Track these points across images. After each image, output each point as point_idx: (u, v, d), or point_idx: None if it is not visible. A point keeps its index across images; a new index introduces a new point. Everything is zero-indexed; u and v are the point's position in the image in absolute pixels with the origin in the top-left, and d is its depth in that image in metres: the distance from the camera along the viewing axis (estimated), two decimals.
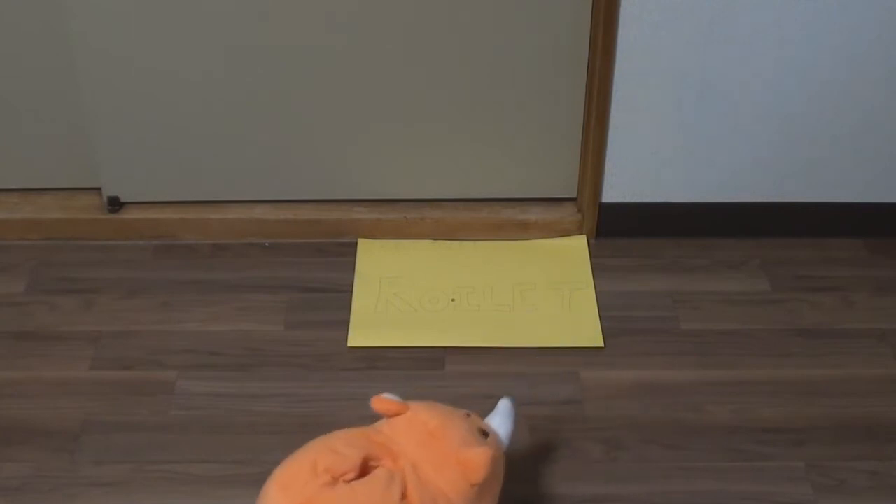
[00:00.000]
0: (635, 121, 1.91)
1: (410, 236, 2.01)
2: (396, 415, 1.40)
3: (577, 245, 2.03)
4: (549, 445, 1.66)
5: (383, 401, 1.41)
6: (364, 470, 1.33)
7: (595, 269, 1.98)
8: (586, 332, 1.85)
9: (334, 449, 1.33)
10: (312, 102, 1.93)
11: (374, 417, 1.54)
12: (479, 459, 1.33)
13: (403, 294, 1.92)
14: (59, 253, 2.00)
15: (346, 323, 1.86)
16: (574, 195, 2.06)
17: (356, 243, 2.03)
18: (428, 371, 1.77)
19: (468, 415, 1.44)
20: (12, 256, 1.98)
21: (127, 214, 2.02)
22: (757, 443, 1.66)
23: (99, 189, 2.02)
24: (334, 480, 1.30)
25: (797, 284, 1.94)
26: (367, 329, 1.85)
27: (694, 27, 1.79)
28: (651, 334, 1.85)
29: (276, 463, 1.53)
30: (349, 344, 1.82)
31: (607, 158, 1.95)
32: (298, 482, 1.30)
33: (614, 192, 1.99)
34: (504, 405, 1.48)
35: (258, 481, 1.53)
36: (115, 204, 2.02)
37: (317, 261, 2.00)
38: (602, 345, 1.82)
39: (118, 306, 1.90)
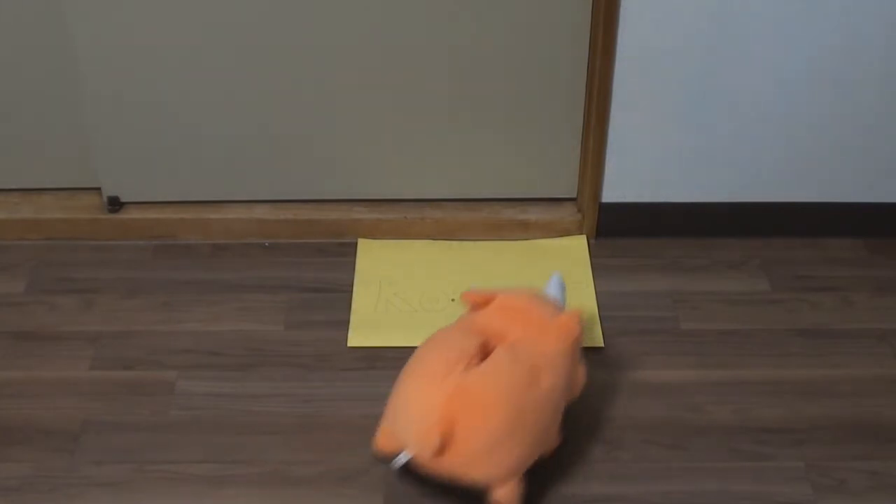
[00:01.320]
0: (635, 121, 1.91)
1: (410, 236, 2.00)
2: (487, 304, 1.56)
3: (577, 245, 2.03)
4: None
5: (475, 293, 1.57)
6: (483, 354, 1.49)
7: (595, 268, 1.98)
8: (586, 332, 1.84)
9: (455, 343, 1.48)
10: (313, 103, 1.93)
11: (377, 416, 1.56)
12: (571, 321, 1.54)
13: (403, 294, 1.92)
14: (59, 253, 2.00)
15: (346, 323, 1.86)
16: (574, 195, 2.06)
17: (356, 243, 2.03)
18: None
19: (537, 292, 1.62)
20: (12, 256, 1.98)
21: (127, 214, 2.02)
22: (757, 443, 1.66)
23: (99, 189, 2.02)
24: (467, 367, 1.45)
25: (797, 284, 1.94)
26: (366, 329, 1.84)
27: (695, 27, 1.80)
28: (651, 334, 1.84)
29: (277, 462, 1.57)
30: (349, 344, 1.82)
31: (607, 159, 1.95)
32: (439, 377, 1.45)
33: (614, 192, 1.99)
34: (556, 279, 1.67)
35: (258, 481, 1.56)
36: (115, 204, 2.02)
37: (317, 261, 2.00)
38: (602, 344, 1.82)
39: (118, 306, 1.89)
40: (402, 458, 1.48)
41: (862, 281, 1.94)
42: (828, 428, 1.68)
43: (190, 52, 1.87)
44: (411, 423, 1.47)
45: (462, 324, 1.57)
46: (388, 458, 1.54)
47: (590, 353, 1.80)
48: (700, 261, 2.00)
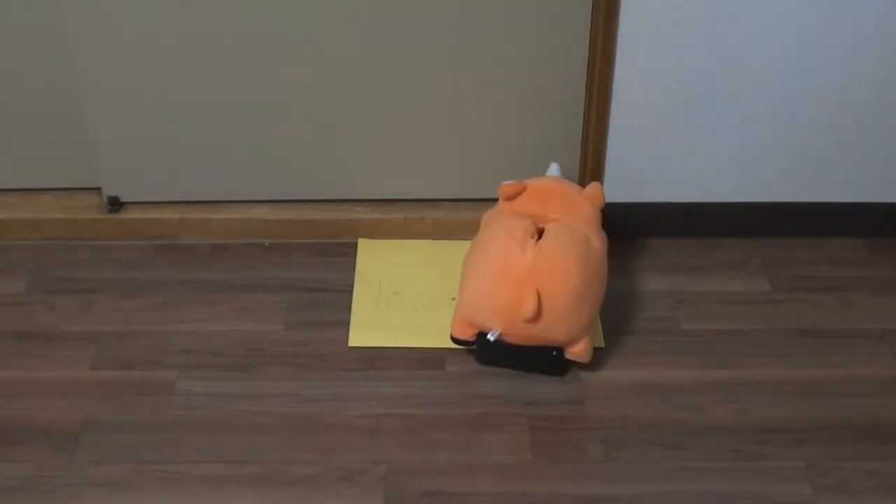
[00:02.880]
0: (635, 121, 1.91)
1: (411, 236, 2.00)
2: (521, 192, 1.77)
3: None
4: (549, 445, 1.65)
5: (509, 185, 1.78)
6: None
7: None
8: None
9: (516, 225, 1.69)
10: (313, 102, 1.93)
11: (378, 416, 1.63)
12: (597, 189, 1.78)
13: (404, 294, 1.92)
14: (59, 253, 1.99)
15: (347, 323, 1.86)
16: None
17: (356, 243, 2.03)
18: (428, 371, 1.77)
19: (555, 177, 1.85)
20: (12, 256, 1.98)
21: (127, 214, 2.02)
22: (757, 443, 1.65)
23: (99, 189, 2.02)
24: (534, 243, 1.66)
25: (797, 284, 1.94)
26: (367, 329, 1.84)
27: (694, 28, 1.80)
28: (651, 334, 1.84)
29: (277, 462, 1.58)
30: (349, 344, 1.82)
31: (607, 159, 1.95)
32: (516, 254, 1.66)
33: (614, 192, 1.98)
34: (555, 166, 1.87)
35: (258, 481, 1.57)
36: (115, 204, 2.02)
37: (317, 261, 1.99)
38: (602, 345, 1.81)
39: (118, 306, 1.89)
40: (495, 333, 1.67)
41: (862, 281, 1.94)
42: (828, 428, 1.67)
43: (189, 52, 1.86)
44: (500, 299, 1.65)
45: (508, 211, 1.77)
46: (467, 343, 1.71)
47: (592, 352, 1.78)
48: (700, 261, 2.00)
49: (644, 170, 1.96)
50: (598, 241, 1.74)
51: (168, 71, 1.88)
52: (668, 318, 1.87)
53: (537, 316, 1.65)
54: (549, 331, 1.68)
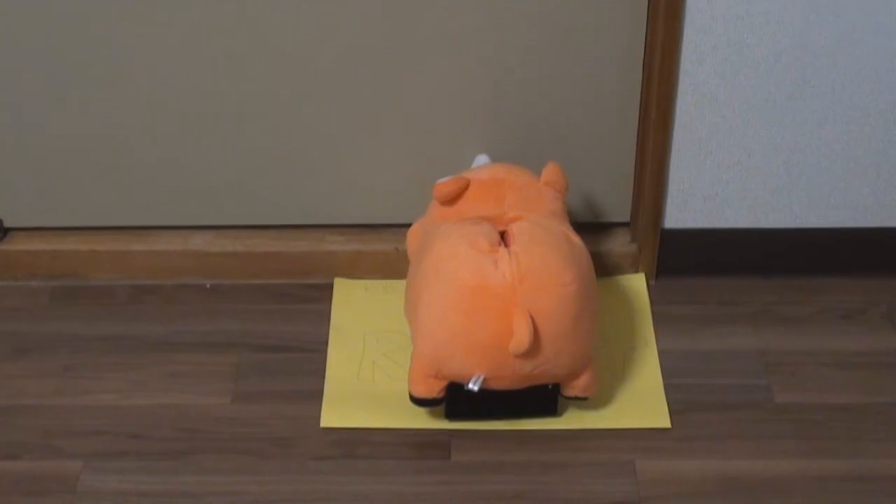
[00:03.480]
0: (710, 119, 1.93)
1: (404, 275, 1.93)
2: (465, 190, 1.82)
3: (633, 287, 2.04)
4: None
5: (446, 183, 1.83)
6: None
7: (657, 319, 1.99)
8: (646, 406, 1.86)
9: (472, 234, 1.73)
10: (272, 97, 1.95)
11: None
12: (556, 170, 1.84)
13: (395, 355, 1.92)
14: None
15: (318, 395, 1.87)
16: (626, 219, 2.08)
17: (331, 284, 2.04)
18: (429, 461, 1.78)
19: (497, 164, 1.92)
20: None
21: (13, 245, 2.04)
22: None
23: None
24: (506, 252, 1.70)
25: None
26: (345, 404, 1.86)
27: (768, 52, 1.86)
28: (734, 410, 1.85)
29: None
30: (322, 424, 1.83)
31: (671, 168, 1.96)
32: (487, 271, 1.68)
33: (682, 213, 2.00)
34: (483, 157, 1.95)
35: None
36: None
37: (277, 308, 2.01)
38: (668, 425, 1.83)
39: (2, 371, 1.90)
40: (477, 380, 1.70)
41: None
42: None
43: (99, 35, 1.88)
44: (479, 334, 1.69)
45: (450, 217, 1.82)
46: (434, 402, 1.76)
47: (652, 435, 1.81)
48: (801, 308, 2.01)
49: (721, 184, 1.98)
50: (575, 237, 1.80)
51: (68, 55, 1.90)
52: (756, 388, 1.88)
53: (533, 346, 1.67)
54: (550, 363, 1.72)
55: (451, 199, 1.84)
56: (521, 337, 1.65)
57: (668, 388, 1.86)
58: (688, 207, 1.99)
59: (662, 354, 1.92)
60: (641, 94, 1.94)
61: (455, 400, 1.76)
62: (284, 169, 2.01)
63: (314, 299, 2.01)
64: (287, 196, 2.04)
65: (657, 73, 1.87)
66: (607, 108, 1.96)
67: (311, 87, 1.93)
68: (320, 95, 1.94)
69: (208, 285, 2.04)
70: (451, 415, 1.80)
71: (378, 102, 1.96)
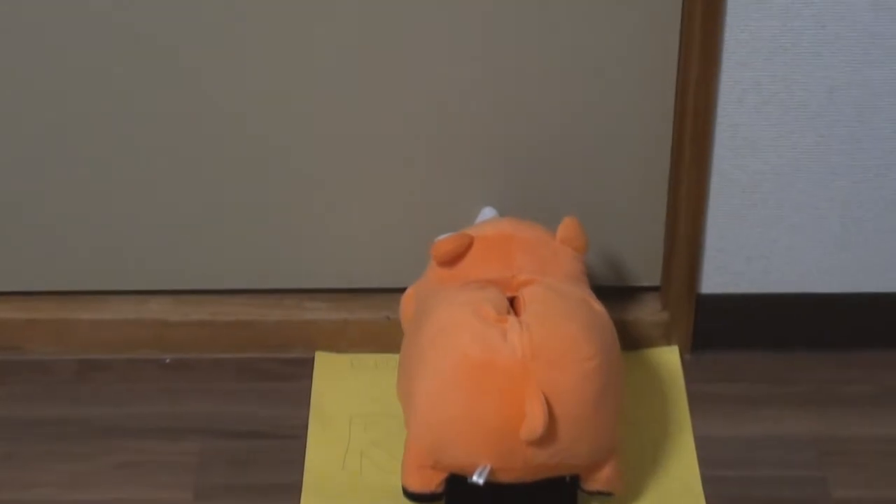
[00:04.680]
0: (751, 165, 1.93)
1: (397, 348, 1.91)
2: (468, 249, 1.82)
3: (664, 362, 2.04)
4: None
5: (447, 241, 1.82)
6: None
7: (694, 400, 1.98)
8: (681, 501, 1.84)
9: (476, 301, 1.73)
10: (241, 139, 1.95)
11: None
12: (574, 226, 1.85)
13: (386, 443, 1.92)
14: None
15: (297, 490, 1.86)
16: (657, 283, 2.08)
17: (311, 359, 2.04)
18: None
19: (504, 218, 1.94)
20: None
21: None
22: None
23: None
24: (516, 322, 1.70)
25: None
26: (328, 500, 1.85)
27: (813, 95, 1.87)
28: None
29: None
30: None
31: (708, 224, 1.97)
32: (495, 344, 1.67)
33: (721, 276, 2.00)
34: (488, 212, 1.97)
35: None
36: None
37: (247, 388, 2.00)
38: None
39: None
40: (482, 472, 1.68)
41: None
42: None
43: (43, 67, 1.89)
44: (485, 417, 1.67)
45: (452, 281, 1.81)
46: (432, 498, 1.74)
47: None
48: (861, 387, 2.00)
49: (766, 243, 1.98)
50: (597, 304, 1.80)
51: (8, 115, 1.91)
52: (810, 481, 1.87)
53: (548, 432, 1.65)
54: (567, 451, 1.70)
55: (452, 260, 1.83)
56: (533, 421, 1.63)
57: (707, 482, 1.85)
58: (727, 269, 1.99)
59: (700, 441, 1.91)
60: (673, 138, 1.94)
61: (456, 495, 1.74)
62: (257, 224, 2.01)
63: (291, 376, 2.01)
64: (260, 255, 2.03)
65: (691, 113, 1.86)
66: (633, 154, 1.96)
67: (286, 126, 1.94)
68: (296, 136, 1.95)
69: (167, 360, 2.04)
70: None
71: (366, 146, 1.96)
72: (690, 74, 1.84)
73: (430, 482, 1.73)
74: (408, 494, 1.74)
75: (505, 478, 1.70)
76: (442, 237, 1.83)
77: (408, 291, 1.89)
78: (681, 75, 1.87)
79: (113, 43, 1.86)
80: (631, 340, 2.03)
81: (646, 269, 2.05)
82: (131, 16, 1.84)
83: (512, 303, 1.74)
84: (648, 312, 2.05)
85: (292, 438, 1.91)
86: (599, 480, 1.74)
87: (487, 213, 1.96)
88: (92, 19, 1.84)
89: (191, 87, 1.90)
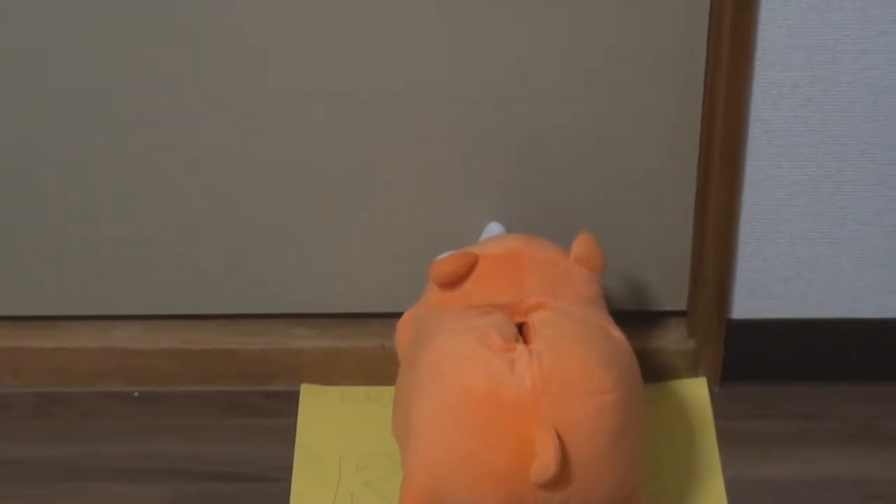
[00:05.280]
0: (789, 175, 1.92)
1: (392, 380, 1.89)
2: (472, 269, 1.81)
3: (691, 395, 2.04)
4: None
5: (448, 260, 1.80)
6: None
7: (724, 437, 1.98)
8: None
9: (484, 324, 1.72)
10: (223, 150, 1.95)
11: None
12: (590, 243, 1.83)
13: (381, 485, 1.92)
14: None
15: None
16: (683, 307, 2.08)
17: (297, 392, 2.03)
18: None
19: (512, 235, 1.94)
20: None
21: None
22: None
23: None
24: (526, 351, 1.68)
25: None
26: None
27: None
28: None
29: None
30: None
31: (740, 241, 1.97)
32: (501, 375, 1.65)
33: (754, 300, 2.00)
34: (495, 227, 1.98)
35: None
36: None
37: (226, 424, 2.00)
38: None
39: None
40: None
41: None
42: None
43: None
44: (492, 456, 1.65)
45: (453, 305, 1.80)
46: None
47: None
48: None
49: (804, 263, 1.98)
50: (616, 330, 1.79)
51: None
52: None
53: (561, 473, 1.63)
54: (582, 494, 1.68)
55: (454, 282, 1.82)
56: (545, 461, 1.61)
57: None
58: (762, 292, 1.99)
59: (730, 484, 1.91)
60: (700, 146, 1.94)
61: None
62: (237, 241, 2.01)
63: (275, 412, 2.00)
64: (240, 276, 2.04)
65: (720, 118, 1.86)
66: (656, 163, 1.96)
67: (272, 136, 1.95)
68: (283, 146, 1.95)
69: (135, 394, 2.03)
70: None
71: (359, 155, 1.97)
72: (720, 75, 1.83)
73: None
74: None
75: None
76: (442, 256, 1.82)
77: (405, 317, 1.88)
78: (709, 76, 1.87)
79: (81, 60, 1.88)
80: (654, 371, 2.03)
81: (670, 291, 2.06)
82: (100, 32, 1.87)
83: (520, 329, 1.72)
84: (673, 340, 2.05)
85: (276, 481, 1.91)
86: None
87: (493, 228, 1.95)
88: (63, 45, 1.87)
89: (163, 100, 1.91)
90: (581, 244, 1.83)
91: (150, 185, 1.98)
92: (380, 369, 2.02)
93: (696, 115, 1.91)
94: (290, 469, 1.92)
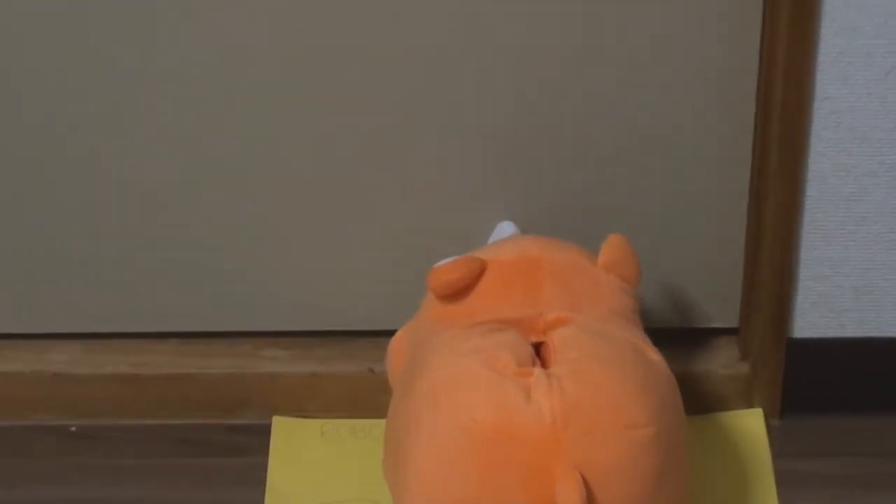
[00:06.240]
0: (861, 165, 1.91)
1: (382, 411, 1.88)
2: (479, 277, 1.78)
3: (744, 429, 2.04)
4: None
5: (447, 268, 1.77)
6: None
7: (784, 480, 1.96)
8: None
9: (493, 344, 1.69)
10: (181, 138, 1.96)
11: None
12: (622, 245, 1.81)
13: None
14: None
15: None
16: (734, 323, 2.07)
17: (268, 427, 2.02)
18: None
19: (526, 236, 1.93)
20: None
21: None
22: None
23: None
24: (544, 375, 1.65)
25: None
26: None
27: None
28: None
29: None
30: None
31: (802, 246, 1.95)
32: (515, 406, 1.61)
33: (819, 316, 2.00)
34: (507, 227, 1.95)
35: None
36: None
37: (182, 464, 2.00)
38: None
39: None
40: None
41: None
42: None
43: None
44: (501, 501, 1.64)
45: (454, 321, 1.77)
46: None
47: None
48: None
49: (880, 270, 1.97)
50: (653, 352, 1.77)
51: None
52: None
53: None
54: None
55: (457, 292, 1.79)
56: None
57: None
58: (828, 306, 1.99)
59: None
60: (755, 130, 1.93)
61: None
62: (196, 247, 2.02)
63: (242, 449, 2.00)
64: (200, 287, 2.04)
65: (778, 96, 1.84)
66: (700, 151, 1.97)
67: (246, 121, 1.95)
68: (256, 131, 1.95)
69: (73, 428, 2.02)
70: None
71: (343, 140, 1.96)
72: (777, 43, 1.82)
73: None
74: None
75: None
76: (443, 262, 1.80)
77: (398, 335, 1.87)
78: (765, 45, 1.85)
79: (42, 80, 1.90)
80: (699, 401, 2.03)
81: (718, 304, 2.06)
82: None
83: (537, 350, 1.70)
84: (723, 363, 2.04)
85: None
86: None
87: (505, 228, 1.94)
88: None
89: (113, 107, 1.92)
90: (611, 247, 1.81)
91: (86, 185, 1.99)
92: (368, 399, 2.01)
93: (750, 92, 1.90)
94: None
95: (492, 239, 1.94)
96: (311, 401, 2.03)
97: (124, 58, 1.93)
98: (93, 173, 2.00)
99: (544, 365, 1.67)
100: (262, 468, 1.95)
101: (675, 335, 2.00)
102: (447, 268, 1.79)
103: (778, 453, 1.98)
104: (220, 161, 2.00)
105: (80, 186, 2.00)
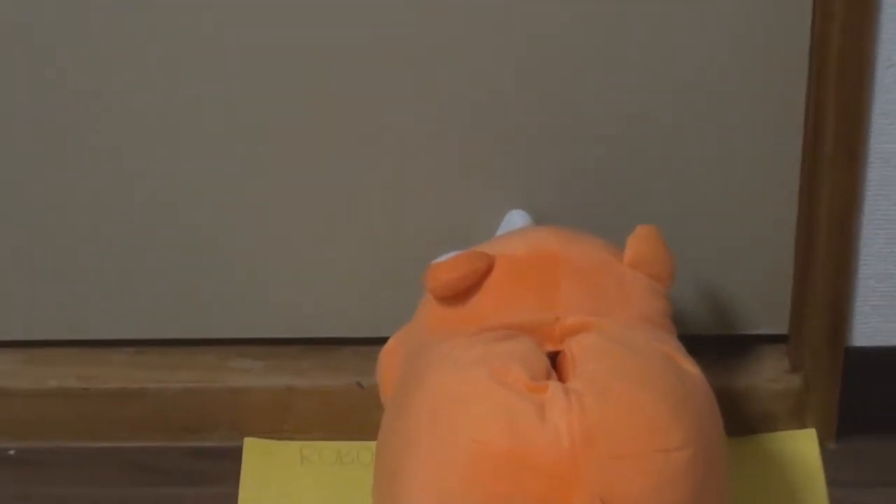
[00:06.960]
0: None
1: (372, 432, 1.82)
2: (479, 281, 1.75)
3: (795, 452, 2.03)
4: None
5: (448, 265, 1.73)
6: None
7: None
8: None
9: (503, 353, 1.64)
10: (145, 126, 1.96)
11: None
12: (653, 238, 1.78)
13: None
14: None
15: None
16: (783, 330, 2.07)
17: (239, 449, 2.01)
18: None
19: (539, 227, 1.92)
20: None
21: None
22: None
23: None
24: (562, 391, 1.60)
25: None
26: None
27: None
28: None
29: None
30: None
31: (863, 240, 1.94)
32: (529, 427, 1.56)
33: (884, 321, 1.99)
34: (518, 215, 1.93)
35: None
36: None
37: (137, 494, 2.00)
38: None
39: None
40: None
41: None
42: None
43: None
44: None
45: (455, 327, 1.75)
46: None
47: None
48: None
49: None
50: (689, 363, 1.73)
51: None
52: None
53: None
54: None
55: (460, 294, 1.75)
56: None
57: None
58: (893, 310, 1.99)
59: None
60: (806, 115, 1.93)
61: None
62: (155, 243, 2.02)
63: (207, 476, 1.99)
64: (160, 288, 2.04)
65: (834, 61, 1.82)
66: (743, 128, 1.96)
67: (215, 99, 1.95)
68: (221, 111, 1.94)
69: (11, 451, 2.02)
70: None
71: (328, 120, 1.96)
72: (833, 22, 1.80)
73: None
74: None
75: None
76: (443, 258, 1.77)
77: (390, 344, 1.85)
78: (817, 23, 1.84)
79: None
80: (742, 420, 2.02)
81: (765, 308, 2.05)
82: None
83: (554, 361, 1.66)
84: (770, 376, 2.03)
85: None
86: None
87: (516, 219, 1.93)
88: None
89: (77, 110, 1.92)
90: (639, 241, 1.79)
91: (32, 182, 1.99)
92: (355, 417, 2.01)
93: (803, 56, 1.89)
94: None
95: (500, 231, 1.92)
96: (288, 420, 2.03)
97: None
98: (44, 172, 1.99)
99: (562, 378, 1.64)
100: (232, 499, 1.95)
101: (713, 343, 2.01)
102: (448, 265, 1.76)
103: (832, 480, 1.97)
104: (188, 155, 1.98)
105: (27, 184, 2.00)
